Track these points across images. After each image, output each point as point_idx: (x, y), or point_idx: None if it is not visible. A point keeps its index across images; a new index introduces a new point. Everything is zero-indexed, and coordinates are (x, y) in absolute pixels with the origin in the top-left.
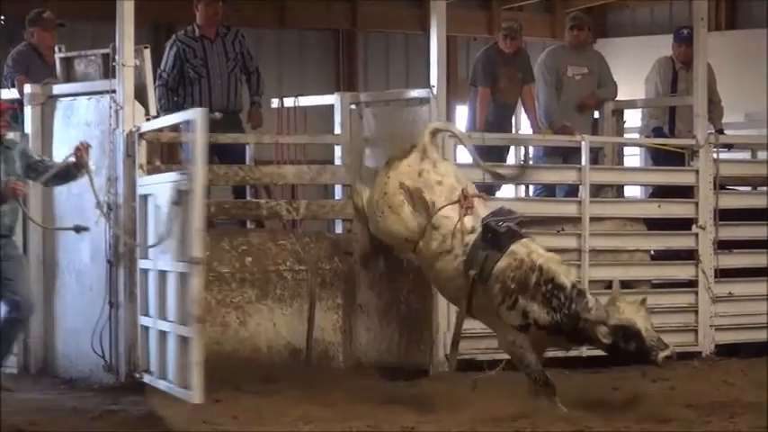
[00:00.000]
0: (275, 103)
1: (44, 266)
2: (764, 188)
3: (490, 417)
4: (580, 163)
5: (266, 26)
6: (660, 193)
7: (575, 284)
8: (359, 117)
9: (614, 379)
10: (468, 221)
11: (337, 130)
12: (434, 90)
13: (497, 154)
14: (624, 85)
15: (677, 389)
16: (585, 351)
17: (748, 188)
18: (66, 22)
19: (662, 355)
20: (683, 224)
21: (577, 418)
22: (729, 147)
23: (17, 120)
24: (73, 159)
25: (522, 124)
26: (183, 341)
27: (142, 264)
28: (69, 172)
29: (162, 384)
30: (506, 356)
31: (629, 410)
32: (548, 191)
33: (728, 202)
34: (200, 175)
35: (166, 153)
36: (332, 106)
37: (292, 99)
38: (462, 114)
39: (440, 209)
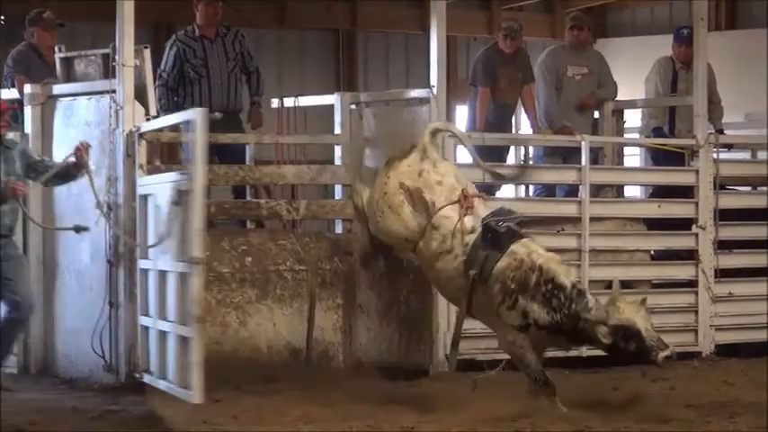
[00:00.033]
0: (275, 103)
1: (44, 266)
2: (764, 188)
3: (490, 417)
4: (580, 163)
5: (266, 26)
6: (660, 193)
7: (575, 284)
8: (359, 117)
9: (614, 379)
10: (468, 221)
11: (337, 130)
12: (434, 90)
13: (497, 154)
14: (624, 85)
15: (677, 389)
16: (585, 351)
17: (748, 188)
18: (66, 22)
19: (662, 355)
20: (683, 224)
21: (577, 418)
22: (729, 147)
23: (17, 120)
24: (73, 159)
25: (522, 124)
26: (183, 341)
27: (142, 264)
28: (69, 172)
29: (162, 384)
30: (506, 356)
31: (629, 410)
32: (548, 191)
33: (728, 202)
34: (200, 175)
35: (166, 153)
36: (332, 106)
37: (292, 99)
38: (462, 114)
39: (440, 209)
